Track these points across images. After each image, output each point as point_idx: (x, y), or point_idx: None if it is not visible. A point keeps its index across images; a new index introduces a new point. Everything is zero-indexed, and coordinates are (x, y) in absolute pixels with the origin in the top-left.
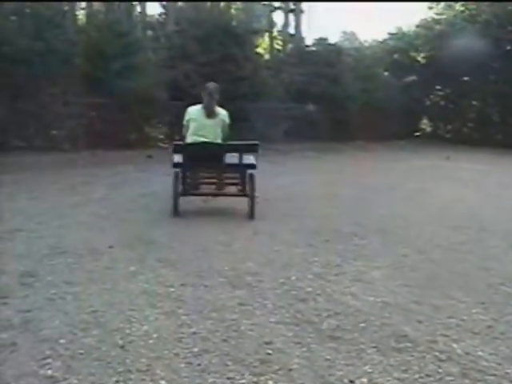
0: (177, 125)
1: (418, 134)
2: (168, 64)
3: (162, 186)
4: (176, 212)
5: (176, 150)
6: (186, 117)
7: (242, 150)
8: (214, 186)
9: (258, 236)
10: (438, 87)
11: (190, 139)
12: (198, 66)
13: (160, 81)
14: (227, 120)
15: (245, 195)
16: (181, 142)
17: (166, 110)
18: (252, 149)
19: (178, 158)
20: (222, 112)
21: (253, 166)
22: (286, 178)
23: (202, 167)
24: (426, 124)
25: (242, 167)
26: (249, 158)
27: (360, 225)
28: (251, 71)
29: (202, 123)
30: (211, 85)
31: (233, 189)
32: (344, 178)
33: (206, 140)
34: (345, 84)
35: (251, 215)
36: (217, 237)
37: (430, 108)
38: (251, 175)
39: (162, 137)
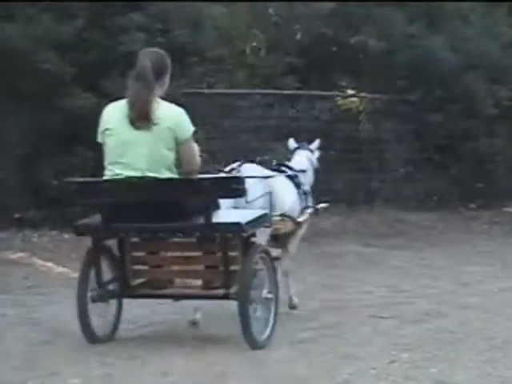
0: None
1: None
2: None
3: None
4: (88, 334)
5: (74, 196)
6: (100, 127)
7: (206, 191)
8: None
9: None
10: None
11: (106, 173)
12: None
13: None
14: (185, 130)
15: (225, 297)
16: (81, 179)
17: None
18: (230, 190)
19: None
20: (171, 113)
21: (237, 227)
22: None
23: (142, 232)
24: None
25: (210, 229)
26: (231, 214)
27: None
28: None
29: (124, 139)
30: (144, 55)
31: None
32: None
33: (132, 174)
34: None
35: (248, 340)
36: None
37: None
38: (249, 246)
39: None
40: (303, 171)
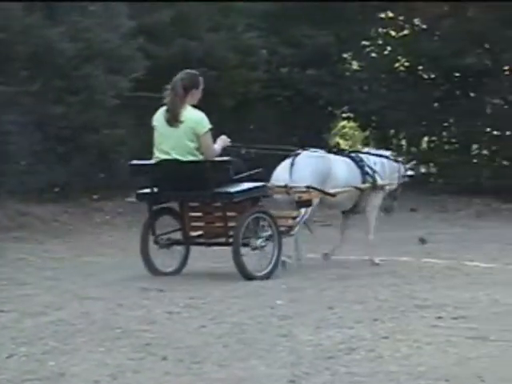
0: None
1: None
2: None
3: None
4: (150, 268)
5: (133, 173)
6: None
7: (208, 170)
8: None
9: None
10: None
11: (154, 156)
12: None
13: None
14: (201, 128)
15: (226, 243)
16: (139, 162)
17: None
18: (222, 169)
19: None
20: (192, 116)
21: (229, 195)
22: None
23: (179, 199)
24: None
25: (212, 197)
26: (232, 186)
27: None
28: None
29: (162, 133)
30: (180, 74)
31: None
32: None
33: (165, 157)
34: None
35: (241, 273)
36: None
37: None
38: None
39: None
40: (377, 155)
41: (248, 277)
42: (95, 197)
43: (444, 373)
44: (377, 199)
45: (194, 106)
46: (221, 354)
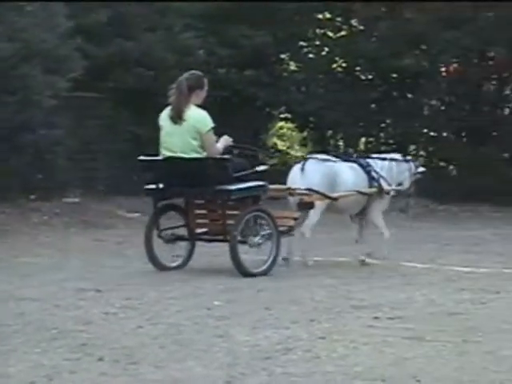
0: None
1: None
2: None
3: None
4: (154, 263)
5: (143, 169)
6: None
7: (209, 167)
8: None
9: None
10: None
11: (160, 154)
12: None
13: None
14: (204, 126)
15: (222, 239)
16: (147, 157)
17: None
18: (221, 166)
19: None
20: (195, 115)
21: (227, 192)
22: None
23: (183, 196)
24: None
25: (213, 194)
26: (233, 184)
27: None
28: None
29: (167, 131)
30: (185, 74)
31: None
32: None
33: (170, 155)
34: None
35: (237, 269)
36: None
37: None
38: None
39: None
40: (383, 159)
41: (245, 274)
42: (32, 197)
43: (380, 373)
44: (382, 204)
45: (199, 106)
46: (157, 355)
